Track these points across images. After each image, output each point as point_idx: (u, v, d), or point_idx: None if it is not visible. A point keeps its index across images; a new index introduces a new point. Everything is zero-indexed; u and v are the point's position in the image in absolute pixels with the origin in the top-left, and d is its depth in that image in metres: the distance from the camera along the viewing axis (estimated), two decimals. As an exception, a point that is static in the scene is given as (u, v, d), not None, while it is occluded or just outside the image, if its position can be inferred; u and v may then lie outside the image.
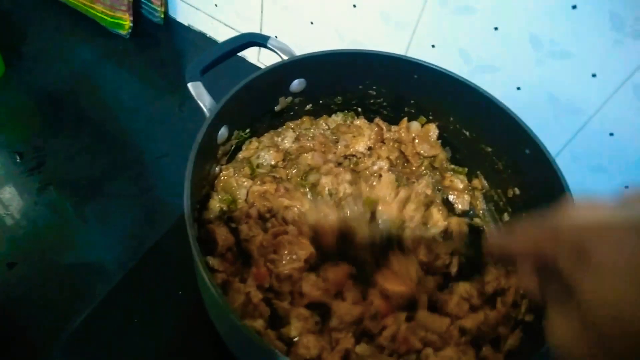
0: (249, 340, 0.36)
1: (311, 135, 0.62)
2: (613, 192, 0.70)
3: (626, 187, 0.69)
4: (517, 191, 0.56)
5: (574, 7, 0.56)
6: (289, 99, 0.59)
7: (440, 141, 0.63)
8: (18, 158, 0.74)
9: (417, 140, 0.62)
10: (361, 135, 0.61)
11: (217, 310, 0.44)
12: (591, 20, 0.56)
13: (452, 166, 0.63)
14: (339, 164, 0.61)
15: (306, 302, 0.49)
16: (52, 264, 0.63)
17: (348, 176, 0.58)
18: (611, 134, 0.65)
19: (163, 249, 0.64)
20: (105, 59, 0.92)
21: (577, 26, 0.58)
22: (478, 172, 0.61)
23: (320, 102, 0.63)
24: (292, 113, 0.62)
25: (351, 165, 0.61)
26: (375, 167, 0.59)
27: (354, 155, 0.62)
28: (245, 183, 0.54)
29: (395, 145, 0.63)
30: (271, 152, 0.58)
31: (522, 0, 0.60)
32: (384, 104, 0.64)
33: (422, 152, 0.61)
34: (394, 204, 0.56)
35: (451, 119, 0.61)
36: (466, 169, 0.62)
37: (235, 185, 0.54)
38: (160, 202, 0.72)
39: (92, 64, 0.90)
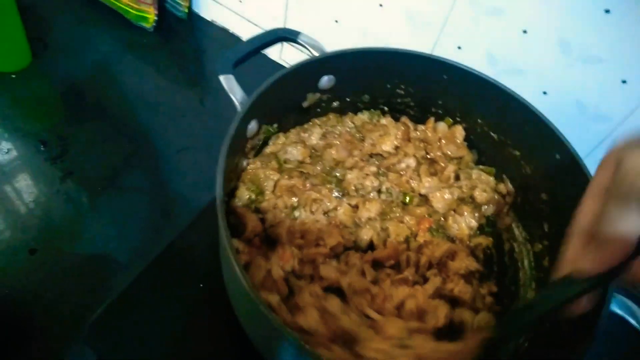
0: (260, 313, 0.36)
1: (338, 132, 0.62)
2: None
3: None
4: (545, 197, 0.55)
5: (607, 11, 0.56)
6: (317, 95, 0.59)
7: (466, 143, 0.63)
8: (42, 147, 0.74)
9: (443, 141, 0.61)
10: (388, 135, 0.61)
11: (234, 285, 0.44)
12: (624, 24, 0.56)
13: (480, 166, 0.62)
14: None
15: (325, 285, 0.50)
16: (71, 253, 0.64)
17: (374, 168, 0.58)
18: None
19: (184, 242, 0.64)
20: (129, 51, 0.92)
21: (610, 31, 0.57)
22: (504, 176, 0.61)
23: (348, 99, 0.63)
24: (318, 110, 0.62)
25: (377, 162, 0.61)
26: (403, 165, 0.59)
27: (379, 154, 0.62)
28: (273, 176, 0.54)
29: (422, 145, 0.62)
30: (299, 147, 0.58)
31: (552, 3, 0.59)
32: (411, 103, 0.63)
33: (448, 152, 0.61)
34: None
35: (479, 121, 0.61)
36: (494, 170, 0.62)
37: (263, 176, 0.54)
38: (178, 196, 0.73)
39: (116, 56, 0.91)
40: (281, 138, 0.59)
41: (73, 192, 0.70)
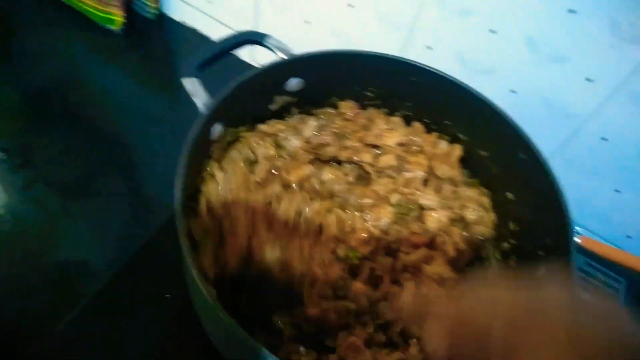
0: (225, 325, 0.36)
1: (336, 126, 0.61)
2: (605, 196, 0.71)
3: (617, 190, 0.70)
4: (511, 196, 0.56)
5: (572, 11, 0.57)
6: (285, 98, 0.59)
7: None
8: (3, 155, 0.72)
9: (436, 161, 0.61)
10: (396, 130, 0.60)
11: (207, 310, 0.44)
12: (588, 24, 0.57)
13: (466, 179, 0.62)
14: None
15: None
16: (37, 263, 0.62)
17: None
18: (604, 139, 0.66)
19: (153, 249, 0.63)
20: (96, 55, 0.90)
21: (575, 30, 0.58)
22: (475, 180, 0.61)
23: (317, 101, 0.62)
24: (288, 112, 0.61)
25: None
26: (409, 175, 0.59)
27: (378, 146, 0.61)
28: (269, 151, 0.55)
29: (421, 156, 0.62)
30: (299, 138, 0.57)
31: (519, 4, 0.60)
32: (381, 105, 0.63)
33: (440, 174, 0.60)
34: None
35: (447, 122, 0.61)
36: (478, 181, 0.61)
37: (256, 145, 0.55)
38: (150, 202, 0.71)
39: (83, 60, 0.89)
40: (277, 125, 0.58)
41: (39, 201, 0.68)
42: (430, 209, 0.58)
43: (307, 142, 0.59)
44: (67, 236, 0.65)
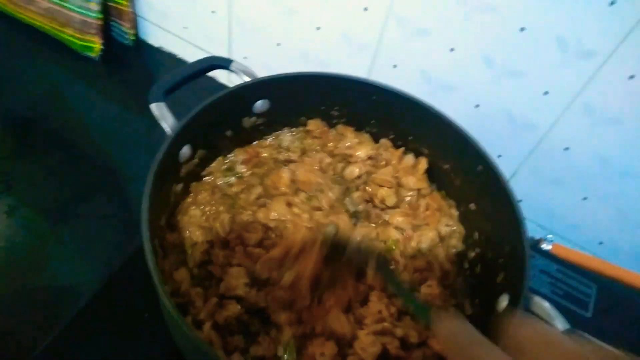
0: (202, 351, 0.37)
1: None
2: (574, 204, 0.73)
3: (584, 198, 0.72)
4: (474, 207, 0.58)
5: (522, 29, 0.60)
6: (253, 119, 0.61)
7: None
8: (-17, 182, 0.73)
9: (402, 173, 0.63)
10: (366, 144, 0.63)
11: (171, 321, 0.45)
12: (538, 41, 0.59)
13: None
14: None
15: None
16: (19, 288, 0.63)
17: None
18: (566, 149, 0.68)
19: (129, 269, 0.64)
20: (76, 81, 0.92)
21: (526, 47, 0.61)
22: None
23: (285, 121, 0.64)
24: (256, 133, 0.63)
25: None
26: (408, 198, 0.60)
27: (349, 156, 0.63)
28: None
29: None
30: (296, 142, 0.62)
31: (472, 23, 0.63)
32: (347, 123, 0.65)
33: (406, 184, 0.62)
34: None
35: (410, 137, 0.63)
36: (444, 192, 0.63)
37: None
38: (131, 224, 0.72)
39: (62, 86, 0.91)
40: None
41: (21, 227, 0.69)
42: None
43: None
44: (48, 260, 0.66)
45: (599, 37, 0.56)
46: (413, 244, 0.57)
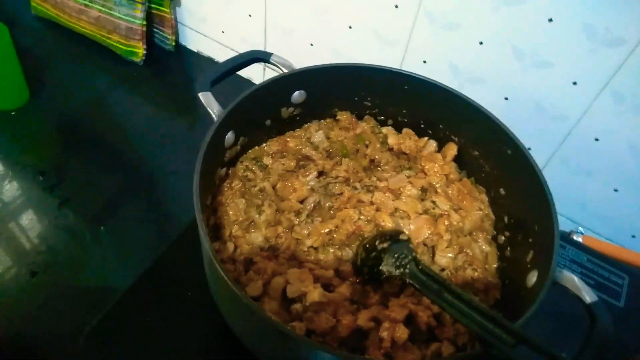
0: (244, 305, 0.39)
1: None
2: (605, 196, 0.73)
3: (615, 190, 0.72)
4: (503, 191, 0.59)
5: (550, 19, 0.61)
6: (291, 109, 0.64)
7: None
8: (40, 177, 0.79)
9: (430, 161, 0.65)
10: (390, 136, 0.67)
11: (216, 283, 0.48)
12: (566, 31, 0.61)
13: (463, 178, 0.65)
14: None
15: None
16: (68, 278, 0.67)
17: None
18: (596, 139, 0.68)
19: (173, 254, 0.68)
20: (120, 85, 0.98)
21: (554, 37, 0.62)
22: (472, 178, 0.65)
23: (319, 113, 0.68)
24: (294, 123, 0.67)
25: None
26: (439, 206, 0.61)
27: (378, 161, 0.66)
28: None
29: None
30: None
31: (501, 15, 0.65)
32: (379, 114, 0.68)
33: (430, 170, 0.64)
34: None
35: (441, 126, 0.65)
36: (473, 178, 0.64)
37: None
38: (170, 216, 0.77)
39: (108, 90, 0.97)
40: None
41: (70, 219, 0.74)
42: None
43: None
44: (92, 254, 0.70)
45: (627, 24, 0.57)
46: (455, 222, 0.59)
